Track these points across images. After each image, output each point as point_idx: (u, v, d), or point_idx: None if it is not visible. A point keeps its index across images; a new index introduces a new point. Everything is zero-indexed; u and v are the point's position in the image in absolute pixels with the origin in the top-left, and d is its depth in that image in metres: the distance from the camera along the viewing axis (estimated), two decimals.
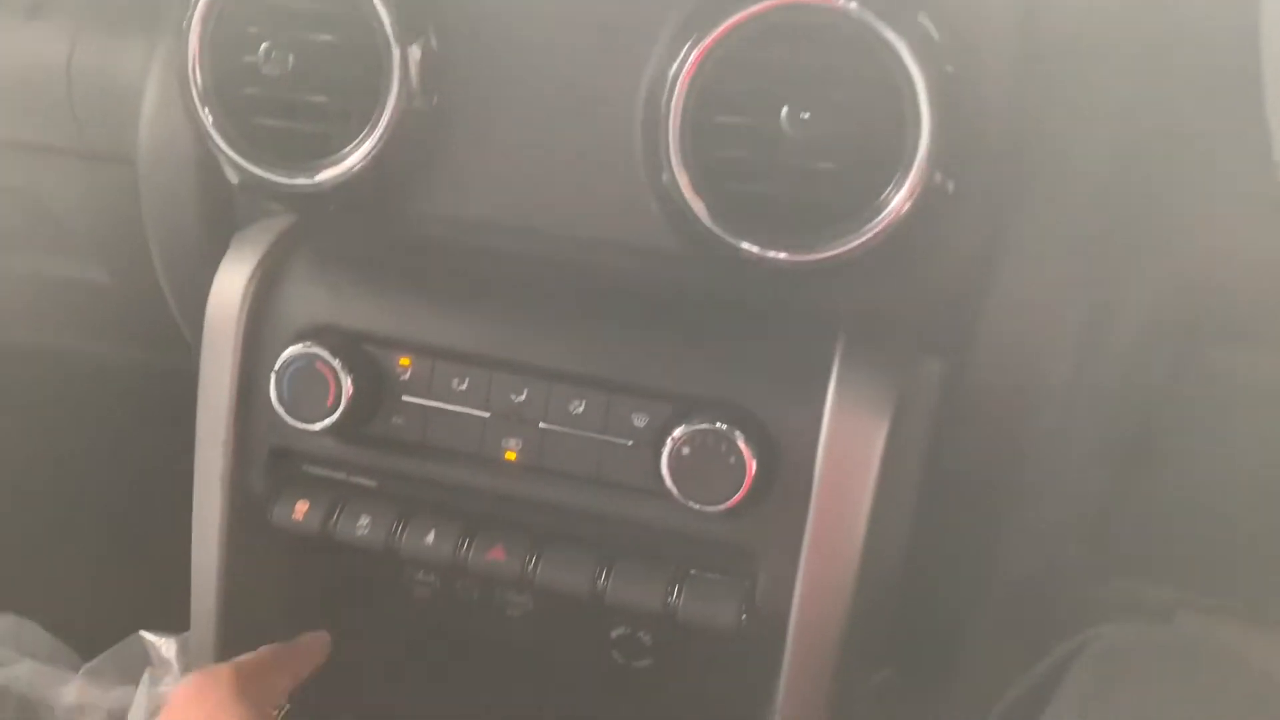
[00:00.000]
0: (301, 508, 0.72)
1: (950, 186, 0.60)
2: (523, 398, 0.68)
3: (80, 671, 0.95)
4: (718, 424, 0.62)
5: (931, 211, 0.60)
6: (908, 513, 0.72)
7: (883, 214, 0.58)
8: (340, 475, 0.73)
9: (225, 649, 0.76)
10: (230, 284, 0.72)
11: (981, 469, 0.75)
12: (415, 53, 0.64)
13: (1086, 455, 0.73)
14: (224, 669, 0.66)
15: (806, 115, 0.58)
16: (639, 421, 0.66)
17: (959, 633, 1.04)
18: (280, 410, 0.68)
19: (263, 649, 0.72)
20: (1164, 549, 0.94)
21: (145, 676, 0.90)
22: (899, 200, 0.58)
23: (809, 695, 0.66)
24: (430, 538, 0.70)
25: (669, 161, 0.61)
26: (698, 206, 0.60)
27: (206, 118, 0.67)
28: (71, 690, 0.91)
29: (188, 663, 0.92)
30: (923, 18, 0.58)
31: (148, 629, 0.99)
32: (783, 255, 0.60)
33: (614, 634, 0.80)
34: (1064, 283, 0.66)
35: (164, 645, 0.94)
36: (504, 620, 0.83)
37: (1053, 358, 0.67)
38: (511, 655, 0.85)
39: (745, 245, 0.60)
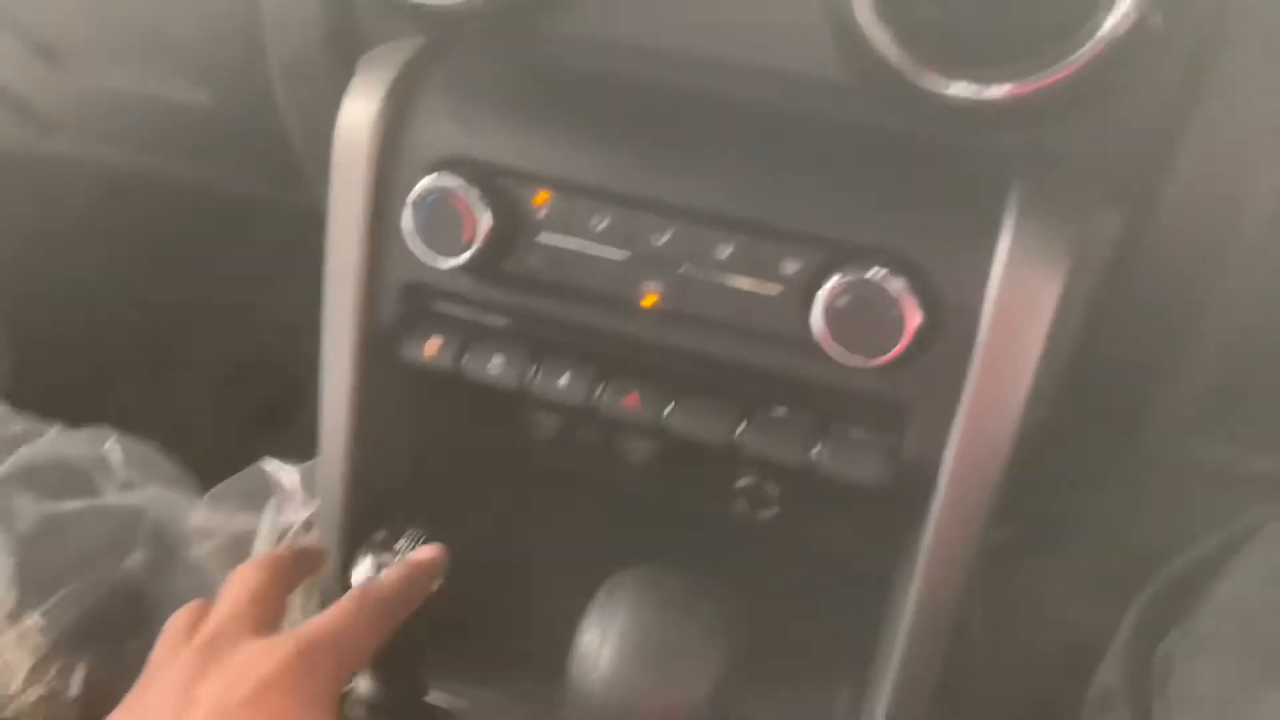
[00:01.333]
0: (433, 344, 0.70)
1: (1159, 18, 0.54)
2: (665, 239, 0.64)
3: (205, 497, 0.98)
4: (878, 272, 0.58)
5: (1137, 42, 0.54)
6: (1064, 370, 0.68)
7: (1090, 42, 0.52)
8: (470, 314, 0.71)
9: (354, 480, 0.76)
10: (359, 111, 0.68)
11: (1141, 328, 0.70)
12: None
13: (1263, 317, 0.68)
14: (325, 659, 0.56)
15: None
16: (789, 268, 0.62)
17: (1086, 495, 1.02)
18: (414, 245, 0.66)
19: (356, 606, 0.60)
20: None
21: (270, 504, 0.92)
22: (1109, 26, 0.52)
23: (952, 554, 0.64)
24: (564, 381, 0.68)
25: None
26: (881, 34, 0.55)
27: None
28: (198, 515, 0.94)
29: (311, 494, 0.93)
30: None
31: (264, 458, 1.01)
32: (1006, 88, 0.54)
33: (739, 484, 0.79)
34: (1265, 134, 0.60)
35: (286, 474, 0.95)
36: (624, 466, 0.82)
37: (1246, 213, 0.61)
38: (630, 501, 0.84)
39: (952, 88, 0.54)
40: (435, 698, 0.75)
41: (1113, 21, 0.52)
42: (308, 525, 0.91)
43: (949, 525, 0.63)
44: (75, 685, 0.79)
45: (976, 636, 1.01)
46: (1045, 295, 0.59)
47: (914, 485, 0.64)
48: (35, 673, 0.77)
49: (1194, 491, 0.93)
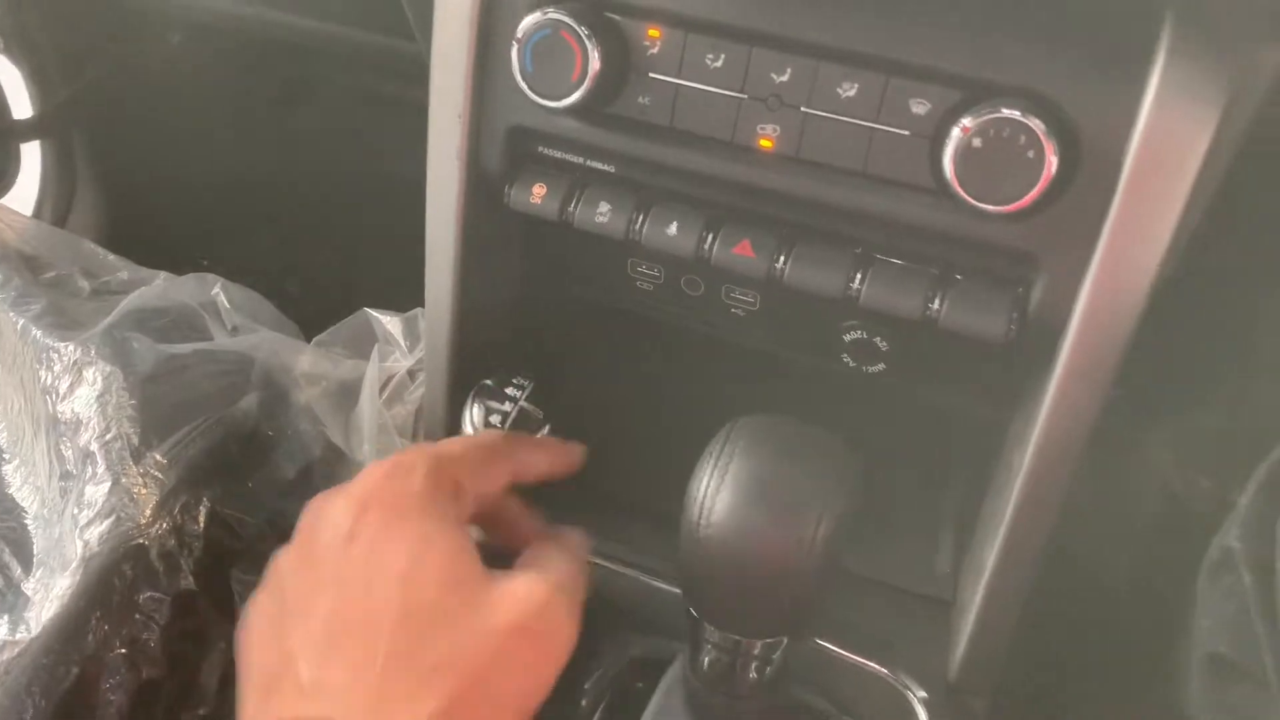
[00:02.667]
0: (539, 190, 0.69)
1: None
2: (785, 78, 0.61)
3: (310, 344, 0.99)
4: (1015, 112, 0.55)
5: None
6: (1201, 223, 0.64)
7: None
8: (577, 159, 0.69)
9: (459, 328, 0.76)
10: None
11: None
12: None
13: None
14: (424, 457, 0.59)
15: None
16: (919, 108, 0.59)
17: (1202, 360, 0.98)
18: (522, 84, 0.64)
19: (484, 435, 0.65)
20: None
21: (375, 351, 0.93)
22: None
23: (1076, 412, 0.62)
24: (673, 229, 0.67)
25: None
26: None
27: None
28: (305, 360, 0.95)
29: (414, 343, 0.94)
30: None
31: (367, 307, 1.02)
32: None
33: (847, 338, 0.77)
34: None
35: (389, 322, 0.96)
36: (728, 318, 0.81)
37: None
38: (734, 355, 0.83)
39: None
40: None
41: None
42: (412, 374, 0.92)
43: (1073, 383, 0.61)
44: (200, 519, 0.82)
45: (1078, 497, 1.00)
46: (1196, 138, 0.55)
47: (1038, 341, 0.62)
48: (161, 507, 0.80)
49: None
